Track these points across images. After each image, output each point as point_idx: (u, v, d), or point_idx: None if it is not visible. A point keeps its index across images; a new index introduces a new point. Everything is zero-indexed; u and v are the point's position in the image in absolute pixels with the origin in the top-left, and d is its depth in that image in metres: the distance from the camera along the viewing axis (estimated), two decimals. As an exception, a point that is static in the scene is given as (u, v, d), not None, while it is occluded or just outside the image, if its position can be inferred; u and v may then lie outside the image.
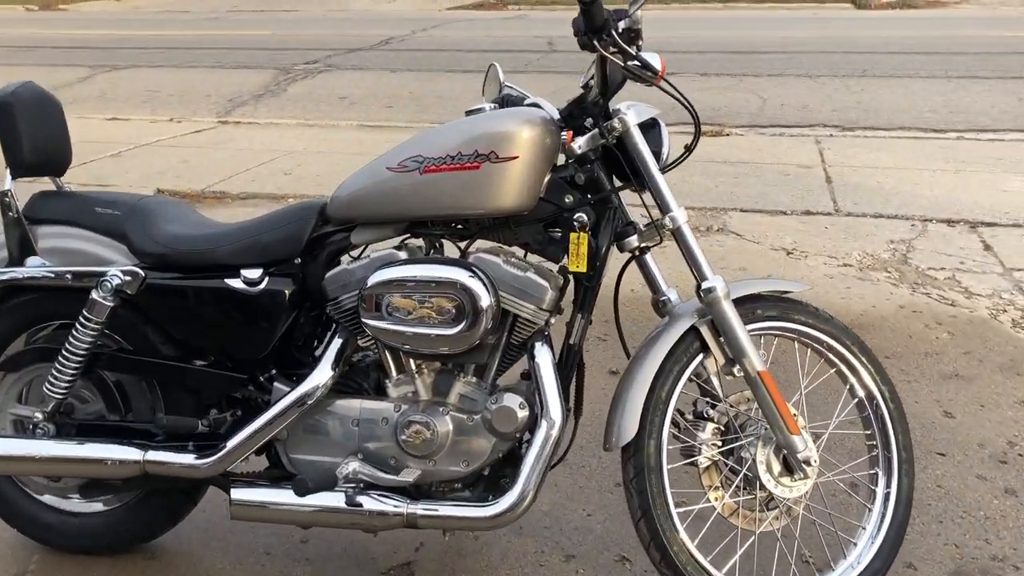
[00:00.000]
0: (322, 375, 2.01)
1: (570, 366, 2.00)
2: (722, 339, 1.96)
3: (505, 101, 2.17)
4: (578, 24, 1.82)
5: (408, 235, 2.06)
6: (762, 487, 1.99)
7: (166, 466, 2.07)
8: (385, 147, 2.14)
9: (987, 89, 8.44)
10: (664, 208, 1.94)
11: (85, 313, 2.07)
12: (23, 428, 2.23)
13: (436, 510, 1.96)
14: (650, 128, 1.98)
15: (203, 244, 2.07)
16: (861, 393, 2.09)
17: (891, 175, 5.66)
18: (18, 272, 2.12)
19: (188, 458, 2.07)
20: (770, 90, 8.65)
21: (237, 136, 7.22)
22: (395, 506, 1.97)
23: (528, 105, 2.13)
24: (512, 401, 1.95)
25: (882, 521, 2.06)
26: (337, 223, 2.06)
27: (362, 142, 6.87)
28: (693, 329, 1.97)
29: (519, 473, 1.92)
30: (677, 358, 1.96)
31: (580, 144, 1.96)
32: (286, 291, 2.04)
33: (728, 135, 7.01)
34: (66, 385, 2.13)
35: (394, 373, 2.05)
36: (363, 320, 1.95)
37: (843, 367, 2.08)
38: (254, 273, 2.03)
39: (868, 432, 2.11)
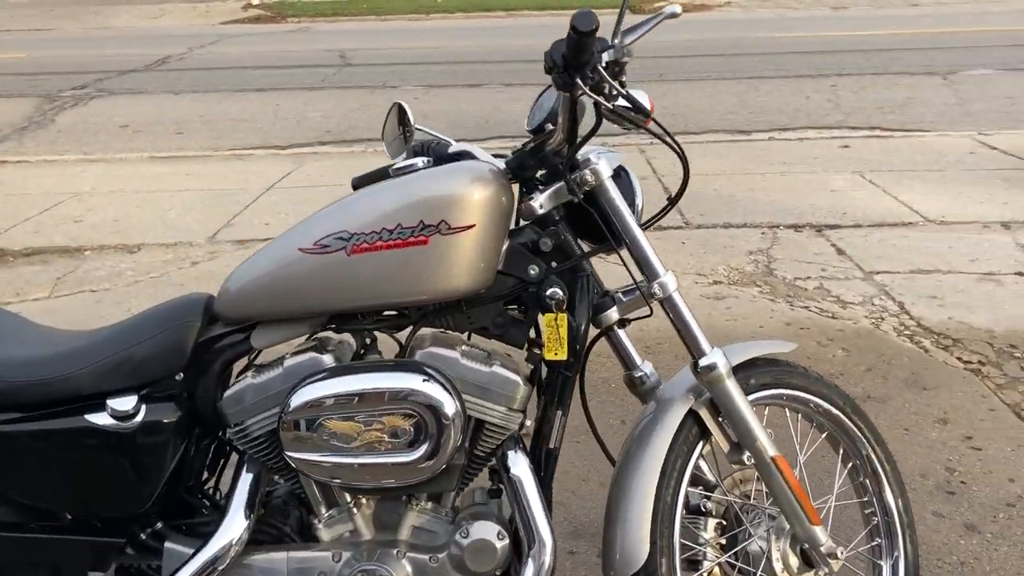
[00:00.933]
0: (234, 527, 1.53)
1: (549, 477, 1.63)
2: (724, 421, 1.66)
3: (428, 151, 1.77)
4: (556, 57, 1.45)
5: (327, 328, 1.62)
6: (782, 590, 1.71)
7: None
8: (185, 180, 1.67)
9: (776, 88, 8.80)
10: (651, 274, 1.61)
11: None
12: None
13: None
14: (616, 178, 1.65)
15: (50, 369, 1.53)
16: (855, 458, 1.85)
17: (723, 181, 5.66)
18: None
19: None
20: (578, 98, 8.60)
21: (4, 178, 6.23)
22: None
23: (456, 153, 1.75)
24: (487, 531, 1.56)
25: None
26: (230, 323, 1.59)
27: (158, 176, 6.12)
28: (691, 413, 1.66)
29: None
30: (678, 451, 1.64)
31: (542, 202, 1.60)
32: (171, 421, 1.55)
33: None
34: None
35: (323, 510, 1.60)
36: (287, 454, 1.49)
37: (837, 431, 1.84)
38: (126, 402, 1.52)
39: (864, 499, 1.88)
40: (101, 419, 1.51)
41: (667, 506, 1.61)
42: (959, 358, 3.30)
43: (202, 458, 1.65)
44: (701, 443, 1.67)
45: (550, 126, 1.62)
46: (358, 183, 1.84)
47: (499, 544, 1.55)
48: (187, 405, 1.57)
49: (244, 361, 1.64)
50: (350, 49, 11.97)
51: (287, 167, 6.29)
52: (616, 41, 1.55)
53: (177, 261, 4.52)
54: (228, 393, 1.56)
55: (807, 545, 1.69)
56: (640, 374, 1.75)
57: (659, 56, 10.69)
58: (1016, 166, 5.95)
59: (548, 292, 1.57)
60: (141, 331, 1.57)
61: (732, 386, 1.62)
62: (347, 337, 1.65)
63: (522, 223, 1.64)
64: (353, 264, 1.50)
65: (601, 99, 1.49)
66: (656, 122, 1.57)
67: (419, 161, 1.60)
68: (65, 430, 1.51)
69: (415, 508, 1.60)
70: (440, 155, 1.77)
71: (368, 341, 1.63)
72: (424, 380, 1.49)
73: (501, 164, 1.64)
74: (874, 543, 1.88)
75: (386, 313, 1.60)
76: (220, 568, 1.51)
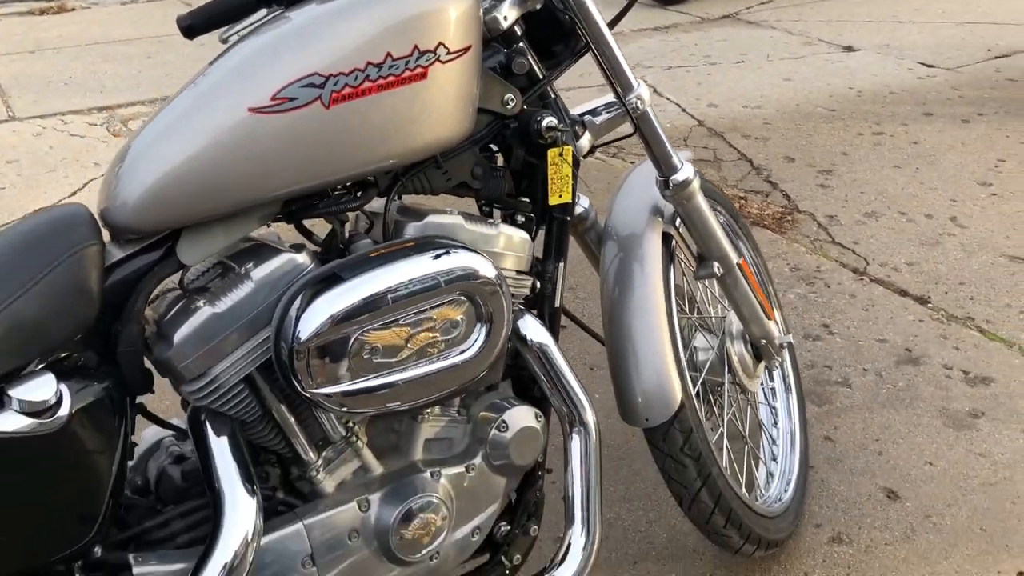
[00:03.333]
0: (241, 512, 1.08)
1: (555, 336, 1.41)
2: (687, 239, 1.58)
3: None
4: None
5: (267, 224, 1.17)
6: (743, 389, 1.72)
7: None
8: None
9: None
10: (626, 86, 1.40)
11: None
12: None
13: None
14: None
15: None
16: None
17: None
18: None
19: None
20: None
21: None
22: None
23: None
24: (526, 417, 1.31)
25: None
26: (142, 235, 1.08)
27: None
28: (664, 238, 1.54)
29: (572, 514, 1.33)
30: (668, 283, 1.51)
31: (506, 13, 1.29)
32: (103, 399, 1.03)
33: (73, 9, 5.78)
34: None
35: (313, 456, 1.20)
36: (311, 392, 1.08)
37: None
38: (41, 386, 0.96)
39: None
40: (4, 422, 0.94)
41: (677, 339, 1.49)
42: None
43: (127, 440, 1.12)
44: (672, 267, 1.56)
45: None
46: (196, 25, 1.30)
47: (539, 426, 1.32)
48: (109, 371, 1.05)
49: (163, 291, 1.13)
50: None
51: None
52: None
53: None
54: (180, 336, 1.06)
55: (763, 341, 1.70)
56: (580, 211, 1.56)
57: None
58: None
59: (545, 123, 1.29)
60: (13, 272, 0.98)
61: (702, 198, 1.52)
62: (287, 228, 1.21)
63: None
64: (333, 120, 1.08)
65: None
66: None
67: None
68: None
69: (428, 420, 1.28)
70: None
71: (341, 224, 1.22)
72: (449, 253, 1.15)
73: None
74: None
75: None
76: (241, 571, 1.07)
